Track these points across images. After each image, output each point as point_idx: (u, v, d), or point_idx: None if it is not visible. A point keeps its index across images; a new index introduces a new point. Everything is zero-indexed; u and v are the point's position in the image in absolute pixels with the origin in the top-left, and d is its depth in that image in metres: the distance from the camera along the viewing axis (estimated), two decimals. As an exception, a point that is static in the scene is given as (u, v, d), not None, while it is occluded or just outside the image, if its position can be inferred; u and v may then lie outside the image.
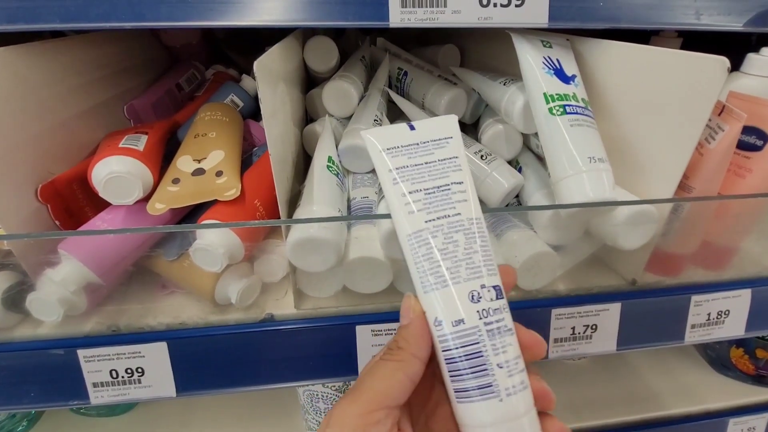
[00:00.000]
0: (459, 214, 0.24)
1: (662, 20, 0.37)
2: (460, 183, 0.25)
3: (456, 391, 0.22)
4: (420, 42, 0.68)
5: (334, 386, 0.46)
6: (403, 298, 0.24)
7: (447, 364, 0.22)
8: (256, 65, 0.26)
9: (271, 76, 0.31)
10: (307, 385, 0.46)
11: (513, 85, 0.40)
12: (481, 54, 0.58)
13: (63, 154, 0.39)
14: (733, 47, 0.42)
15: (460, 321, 0.22)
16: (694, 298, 0.39)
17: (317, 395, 0.46)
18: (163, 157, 0.39)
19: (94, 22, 0.32)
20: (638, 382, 0.60)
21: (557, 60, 0.37)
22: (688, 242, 0.38)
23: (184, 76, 0.56)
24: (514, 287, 0.37)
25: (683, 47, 0.60)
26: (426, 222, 0.24)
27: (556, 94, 0.34)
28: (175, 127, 0.44)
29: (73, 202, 0.37)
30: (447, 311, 0.22)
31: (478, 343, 0.22)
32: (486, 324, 0.22)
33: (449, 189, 0.24)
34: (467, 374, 0.22)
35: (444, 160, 0.25)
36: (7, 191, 0.32)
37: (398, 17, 0.34)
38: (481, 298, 0.22)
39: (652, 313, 0.39)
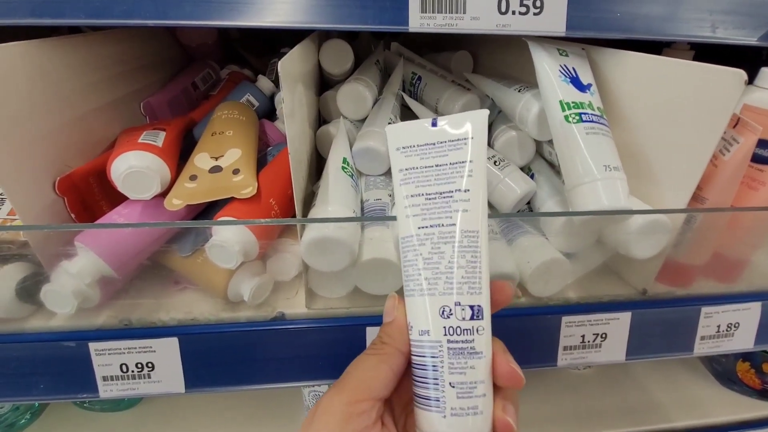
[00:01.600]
0: (453, 224, 0.23)
1: (677, 32, 0.37)
2: (466, 191, 0.23)
3: (413, 393, 0.23)
4: (433, 48, 0.68)
5: (341, 388, 0.45)
6: (387, 297, 0.25)
7: (412, 366, 0.23)
8: (281, 66, 0.26)
9: (291, 78, 0.32)
10: (317, 386, 0.46)
11: (528, 92, 0.40)
12: (494, 61, 0.59)
13: (80, 148, 0.39)
14: (745, 61, 0.42)
15: (426, 332, 0.22)
16: (704, 309, 0.39)
17: (321, 395, 0.46)
18: (180, 154, 0.39)
19: (118, 19, 0.32)
20: (643, 393, 0.60)
21: (573, 68, 0.37)
22: (700, 253, 0.38)
23: (199, 75, 0.57)
24: (525, 294, 0.37)
25: (695, 60, 0.60)
26: (418, 228, 0.23)
27: (572, 102, 0.35)
28: (191, 124, 0.45)
29: (89, 196, 0.38)
30: (417, 319, 0.23)
31: (436, 357, 0.22)
32: (450, 341, 0.22)
33: (451, 196, 0.23)
34: (422, 382, 0.22)
35: (456, 163, 0.24)
36: (25, 183, 0.32)
37: (418, 22, 0.34)
38: (451, 314, 0.22)
39: (662, 323, 0.39)
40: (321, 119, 0.53)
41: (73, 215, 0.37)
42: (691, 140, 0.33)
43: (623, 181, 0.33)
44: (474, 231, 0.23)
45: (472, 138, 0.24)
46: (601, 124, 0.34)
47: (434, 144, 0.25)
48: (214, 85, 0.57)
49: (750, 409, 0.58)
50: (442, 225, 0.23)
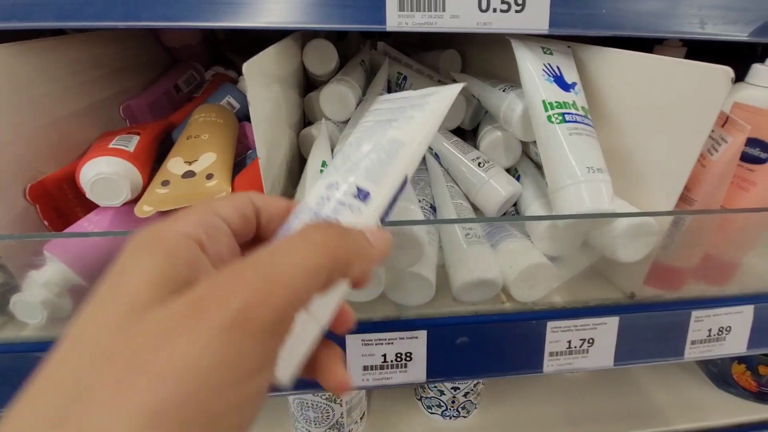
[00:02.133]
0: (385, 134, 0.21)
1: (666, 28, 0.36)
2: (411, 117, 0.22)
3: None
4: (422, 47, 0.67)
5: (324, 395, 0.45)
6: None
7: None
8: (246, 67, 0.25)
9: (262, 78, 0.31)
10: (298, 394, 0.45)
11: (512, 92, 0.39)
12: (482, 60, 0.58)
13: (55, 154, 0.38)
14: (739, 57, 0.41)
15: (306, 201, 0.20)
16: (695, 313, 0.38)
17: (307, 404, 0.45)
18: (157, 158, 0.38)
19: (88, 21, 0.31)
20: (637, 396, 0.59)
21: (557, 67, 0.36)
22: (689, 256, 0.37)
23: (182, 76, 0.56)
24: (510, 299, 0.36)
25: (687, 57, 0.59)
26: (360, 124, 0.24)
27: (556, 102, 0.34)
28: (170, 128, 0.44)
29: (63, 202, 0.37)
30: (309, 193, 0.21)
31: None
32: (317, 206, 0.19)
33: (404, 110, 0.22)
34: None
35: (414, 106, 0.23)
36: (-6, 190, 0.32)
37: (395, 21, 0.33)
38: (337, 188, 0.20)
39: (651, 327, 0.38)
40: (306, 121, 0.52)
41: (46, 223, 0.36)
42: (678, 140, 0.32)
43: (607, 183, 0.32)
44: (399, 141, 0.21)
45: (432, 95, 0.23)
46: (585, 124, 0.33)
47: (404, 98, 0.24)
48: (198, 87, 0.56)
49: (746, 411, 0.57)
50: (373, 121, 0.23)
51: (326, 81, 0.50)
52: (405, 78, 0.51)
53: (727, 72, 0.28)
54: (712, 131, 0.34)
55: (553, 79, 0.35)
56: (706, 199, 0.33)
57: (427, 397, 0.53)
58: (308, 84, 0.56)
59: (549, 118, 0.33)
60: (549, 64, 0.36)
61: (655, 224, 0.33)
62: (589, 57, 0.39)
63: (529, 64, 0.35)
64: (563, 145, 0.32)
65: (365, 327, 0.35)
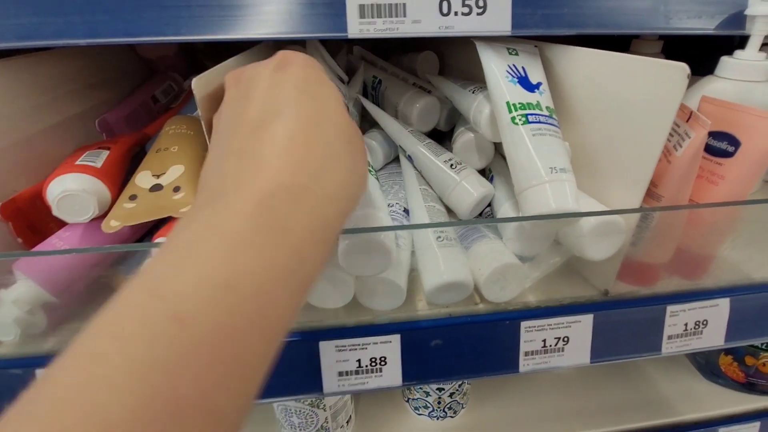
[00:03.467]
0: None
1: (630, 25, 0.36)
2: None
3: None
4: (403, 49, 0.67)
5: (307, 401, 0.45)
6: None
7: None
8: (194, 84, 0.26)
9: (216, 96, 0.31)
10: (281, 401, 0.45)
11: (481, 93, 0.39)
12: (459, 60, 0.58)
13: (29, 171, 0.38)
14: (719, 50, 0.41)
15: None
16: (670, 308, 0.38)
17: (290, 410, 0.45)
18: (131, 170, 0.38)
19: (49, 40, 0.32)
20: (625, 389, 0.59)
21: (523, 68, 0.36)
22: (661, 252, 0.37)
23: (160, 88, 0.56)
24: (483, 300, 0.36)
25: (665, 50, 0.59)
26: None
27: (519, 103, 0.34)
28: (144, 139, 0.44)
29: (37, 219, 0.37)
30: None
31: None
32: None
33: None
34: None
35: None
36: (-36, 210, 0.32)
37: (357, 28, 0.33)
38: None
39: (627, 324, 0.38)
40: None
41: (20, 240, 0.36)
42: (642, 136, 0.32)
43: (571, 182, 0.32)
44: None
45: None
46: (549, 124, 0.33)
47: None
48: (177, 98, 0.57)
49: (735, 402, 0.57)
50: None
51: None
52: (380, 82, 0.51)
53: (683, 68, 0.28)
54: (678, 126, 0.34)
55: (517, 80, 0.35)
56: (673, 195, 0.34)
57: (413, 399, 0.53)
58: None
59: (513, 119, 0.33)
60: (514, 65, 0.36)
61: (621, 222, 0.33)
62: (554, 56, 0.39)
63: (494, 65, 0.35)
64: (527, 146, 0.32)
65: (339, 333, 0.35)
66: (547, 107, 0.34)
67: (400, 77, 0.51)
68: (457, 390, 0.52)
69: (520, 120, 0.33)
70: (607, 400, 0.57)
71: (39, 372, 0.33)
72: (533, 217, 0.33)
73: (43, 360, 0.33)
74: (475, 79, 0.44)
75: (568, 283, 0.39)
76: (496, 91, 0.35)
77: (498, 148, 0.43)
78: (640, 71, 0.31)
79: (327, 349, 0.35)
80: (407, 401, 0.54)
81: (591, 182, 0.37)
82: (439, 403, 0.52)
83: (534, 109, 0.34)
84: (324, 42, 0.71)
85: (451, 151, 0.43)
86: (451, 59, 0.60)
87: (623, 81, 0.33)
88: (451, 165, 0.40)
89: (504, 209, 0.38)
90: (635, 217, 0.34)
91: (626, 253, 0.35)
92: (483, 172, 0.43)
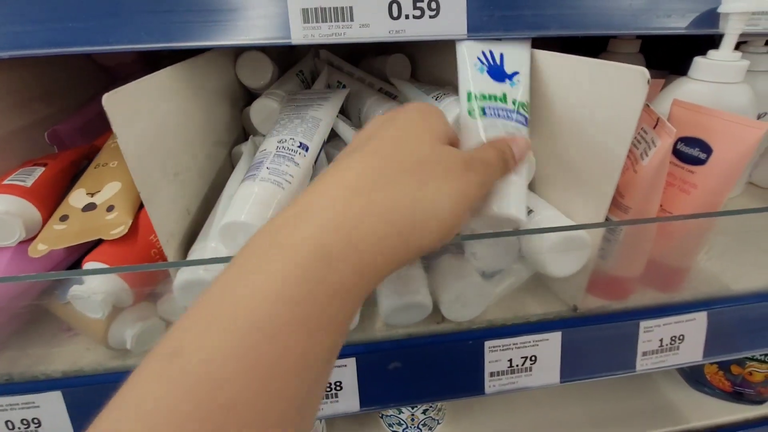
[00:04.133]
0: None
1: (596, 25, 0.34)
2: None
3: None
4: (379, 52, 0.65)
5: None
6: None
7: None
8: (105, 102, 0.24)
9: (140, 109, 0.29)
10: None
11: (446, 99, 0.37)
12: (430, 63, 0.56)
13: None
14: (700, 48, 0.39)
15: None
16: (643, 323, 0.36)
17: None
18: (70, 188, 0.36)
19: (7, 51, 0.30)
20: (609, 400, 0.57)
21: (501, 55, 0.33)
22: (631, 265, 0.35)
23: (119, 96, 0.54)
24: (444, 319, 0.34)
25: (644, 49, 0.57)
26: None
27: (480, 94, 0.31)
28: (93, 153, 0.42)
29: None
30: None
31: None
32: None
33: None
34: None
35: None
36: None
37: (300, 34, 0.31)
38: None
39: (598, 341, 0.36)
40: (246, 136, 0.51)
41: (-47, 263, 0.34)
42: (604, 144, 0.30)
43: (518, 185, 0.28)
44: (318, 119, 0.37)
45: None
46: (510, 119, 0.30)
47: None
48: (137, 106, 0.54)
49: (724, 412, 0.55)
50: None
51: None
52: (344, 87, 0.49)
53: (642, 73, 0.26)
54: (645, 133, 0.32)
55: (486, 68, 0.32)
56: (641, 206, 0.32)
57: (387, 416, 0.51)
58: (251, 97, 0.54)
59: (469, 111, 0.30)
60: (490, 51, 0.33)
61: (586, 236, 0.31)
62: (518, 59, 0.37)
63: (465, 50, 0.32)
64: (477, 141, 0.29)
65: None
66: (515, 101, 0.31)
67: (366, 82, 0.49)
68: (431, 406, 0.50)
69: (476, 112, 0.30)
70: (589, 412, 0.56)
71: (-34, 406, 0.31)
72: (489, 234, 0.31)
73: (-29, 392, 0.31)
74: (450, 81, 0.42)
75: (536, 298, 0.37)
76: (462, 79, 0.32)
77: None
78: (600, 76, 0.29)
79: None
80: (381, 417, 0.52)
81: (555, 192, 0.35)
82: (412, 419, 0.50)
83: (496, 101, 0.30)
84: (268, 47, 0.68)
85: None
86: (424, 62, 0.58)
87: (583, 86, 0.31)
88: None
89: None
90: (601, 231, 0.32)
91: (594, 267, 0.33)
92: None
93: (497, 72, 0.32)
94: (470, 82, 0.31)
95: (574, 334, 0.35)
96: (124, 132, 0.25)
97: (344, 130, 0.41)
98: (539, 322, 0.36)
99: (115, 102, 0.24)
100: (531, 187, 0.37)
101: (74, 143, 0.47)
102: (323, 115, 0.37)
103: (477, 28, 0.33)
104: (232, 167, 0.45)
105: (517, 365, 0.35)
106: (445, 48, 0.53)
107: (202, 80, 0.40)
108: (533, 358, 0.35)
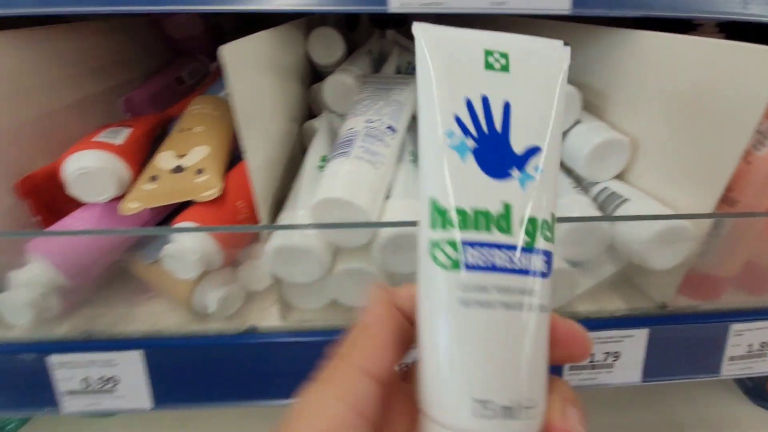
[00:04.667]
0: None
1: (703, 9, 0.32)
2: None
3: None
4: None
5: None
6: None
7: None
8: (223, 52, 0.23)
9: (247, 67, 0.28)
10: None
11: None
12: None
13: (47, 148, 0.37)
14: None
15: None
16: (734, 327, 0.34)
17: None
18: (151, 153, 0.36)
19: (68, 7, 0.30)
20: (664, 410, 0.54)
21: (505, 104, 0.16)
22: (729, 263, 0.33)
23: (186, 69, 0.54)
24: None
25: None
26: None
27: (459, 210, 0.15)
28: (167, 121, 0.42)
29: (55, 198, 0.35)
30: None
31: None
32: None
33: None
34: None
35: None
36: (-20, 185, 0.30)
37: (398, 2, 0.30)
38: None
39: (685, 341, 0.34)
40: (311, 113, 0.50)
41: (39, 219, 0.34)
42: (719, 133, 0.28)
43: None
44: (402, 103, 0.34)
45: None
46: (515, 272, 0.14)
47: None
48: (203, 79, 0.55)
49: (785, 430, 0.52)
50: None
51: (331, 72, 0.47)
52: (414, 68, 0.48)
53: (780, 53, 0.24)
54: (759, 124, 0.30)
55: (474, 143, 0.15)
56: (752, 201, 0.30)
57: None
58: (315, 75, 0.53)
59: (433, 246, 0.15)
60: (485, 98, 0.16)
61: (690, 228, 0.29)
62: (617, 41, 0.35)
63: (436, 90, 0.15)
64: (439, 327, 0.14)
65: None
66: (531, 222, 0.15)
67: (437, 64, 0.48)
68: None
69: (442, 253, 0.15)
70: (641, 420, 0.53)
71: (52, 358, 0.31)
72: (586, 218, 0.29)
73: (55, 346, 0.31)
74: None
75: (621, 294, 0.36)
76: (423, 163, 0.16)
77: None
78: (724, 58, 0.27)
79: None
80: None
81: (656, 182, 0.33)
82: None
83: (488, 229, 0.15)
84: (354, 23, 0.68)
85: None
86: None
87: (701, 69, 0.29)
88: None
89: (552, 208, 0.34)
90: (705, 224, 0.30)
91: (691, 262, 0.31)
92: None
93: (493, 152, 0.15)
94: (435, 176, 0.15)
95: (661, 333, 0.34)
96: (237, 85, 0.25)
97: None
98: (625, 318, 0.34)
99: (231, 54, 0.24)
100: (627, 177, 0.36)
101: (145, 111, 0.47)
102: (406, 100, 0.36)
103: (581, 4, 0.31)
104: (302, 144, 0.45)
105: (598, 361, 0.34)
106: (513, 28, 0.51)
107: (283, 53, 0.39)
108: (616, 355, 0.34)
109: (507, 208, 0.15)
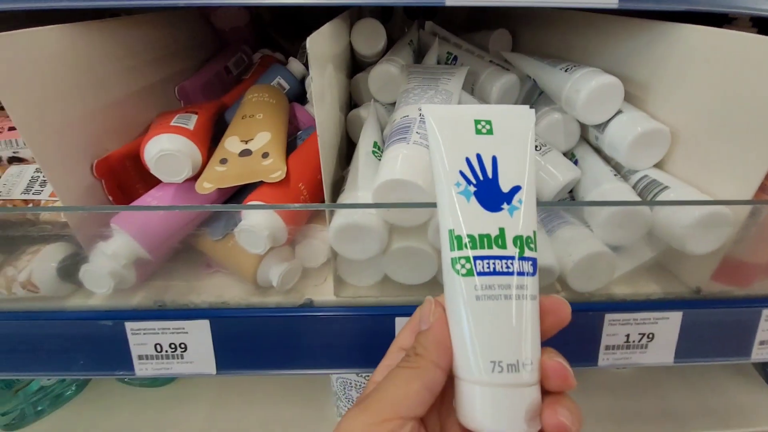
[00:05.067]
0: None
1: (748, 4, 0.33)
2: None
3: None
4: (468, 28, 0.65)
5: (368, 376, 0.45)
6: (424, 301, 0.22)
7: None
8: (309, 43, 0.25)
9: (321, 57, 0.31)
10: (343, 374, 0.46)
11: (577, 71, 0.37)
12: (535, 39, 0.55)
13: (117, 132, 0.40)
14: None
15: None
16: (766, 312, 0.36)
17: (350, 383, 0.46)
18: (211, 138, 0.39)
19: (148, 1, 0.32)
20: (686, 396, 0.56)
21: (493, 159, 0.21)
22: (764, 251, 0.34)
23: (232, 59, 0.56)
24: (564, 288, 0.35)
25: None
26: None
27: (468, 236, 0.20)
28: (222, 108, 0.45)
29: (125, 179, 0.38)
30: None
31: None
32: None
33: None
34: None
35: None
36: (65, 165, 0.33)
37: (456, -4, 0.32)
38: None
39: (717, 325, 0.36)
40: (352, 102, 0.52)
41: (110, 198, 0.37)
42: (758, 125, 0.30)
43: (522, 389, 0.20)
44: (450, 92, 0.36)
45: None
46: (513, 273, 0.20)
47: None
48: (247, 69, 0.57)
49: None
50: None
51: (373, 62, 0.49)
52: (455, 58, 0.50)
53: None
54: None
55: (475, 188, 0.21)
56: (791, 189, 0.31)
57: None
58: (354, 65, 0.55)
59: (453, 262, 0.20)
60: (478, 156, 0.21)
61: (729, 214, 0.31)
62: (660, 34, 0.36)
63: (440, 158, 0.21)
64: (461, 315, 0.20)
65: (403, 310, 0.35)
66: (518, 239, 0.20)
67: (476, 54, 0.50)
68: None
69: (462, 267, 0.20)
70: (663, 405, 0.55)
71: (128, 325, 0.34)
72: (633, 202, 0.31)
73: (131, 314, 0.34)
74: (549, 58, 0.42)
75: (655, 278, 0.37)
76: (440, 205, 0.21)
77: (583, 131, 0.41)
78: (765, 52, 0.29)
79: (402, 325, 0.35)
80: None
81: (694, 171, 0.34)
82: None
83: (490, 247, 0.20)
84: (386, 15, 0.69)
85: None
86: (524, 37, 0.58)
87: (742, 62, 0.30)
88: (536, 147, 0.39)
89: (593, 196, 0.36)
90: (745, 211, 0.31)
91: (728, 248, 0.33)
92: (565, 156, 0.41)
93: (489, 192, 0.21)
94: (447, 213, 0.21)
95: (695, 316, 0.35)
96: (316, 71, 0.27)
97: (467, 100, 0.41)
98: (661, 301, 0.36)
99: (314, 43, 0.26)
100: (665, 166, 0.37)
101: (197, 99, 0.50)
102: (453, 89, 0.38)
103: (629, -2, 0.32)
104: (347, 133, 0.47)
105: (633, 341, 0.35)
106: (550, 22, 0.52)
107: (337, 41, 0.41)
108: (651, 336, 0.35)
109: (501, 231, 0.20)
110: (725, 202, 0.32)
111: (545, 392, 0.20)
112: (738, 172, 0.32)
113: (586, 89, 0.35)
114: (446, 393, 0.21)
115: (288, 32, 0.65)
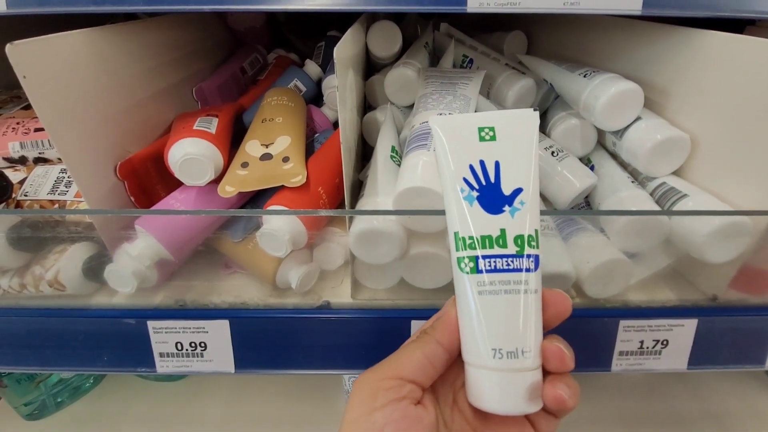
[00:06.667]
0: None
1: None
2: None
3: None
4: (480, 29, 0.65)
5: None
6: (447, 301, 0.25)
7: None
8: (336, 51, 0.25)
9: (345, 64, 0.31)
10: (358, 374, 0.46)
11: (597, 77, 0.37)
12: (551, 42, 0.55)
13: (139, 134, 0.40)
14: None
15: None
16: (782, 320, 0.36)
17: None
18: (230, 140, 0.39)
19: (175, 5, 0.32)
20: (698, 401, 0.56)
21: (495, 164, 0.23)
22: (783, 259, 0.34)
23: (247, 59, 0.57)
24: (579, 294, 0.35)
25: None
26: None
27: (468, 237, 0.22)
28: (240, 110, 0.45)
29: (146, 180, 0.39)
30: None
31: None
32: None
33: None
34: None
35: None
36: (90, 167, 0.34)
37: (477, 2, 0.32)
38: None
39: (731, 332, 0.36)
40: (366, 105, 0.52)
41: (132, 199, 0.38)
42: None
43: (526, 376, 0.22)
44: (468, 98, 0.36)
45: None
46: (516, 270, 0.21)
47: None
48: (262, 70, 0.57)
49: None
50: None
51: (388, 64, 0.49)
52: (471, 61, 0.50)
53: None
54: (825, 124, 0.31)
55: (477, 193, 0.23)
56: (812, 199, 0.31)
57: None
58: (369, 67, 0.56)
59: (459, 261, 0.22)
60: (481, 162, 0.23)
61: (749, 224, 0.31)
62: (682, 40, 0.36)
63: (447, 163, 0.23)
64: (468, 308, 0.22)
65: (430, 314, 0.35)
66: (519, 238, 0.22)
67: (491, 57, 0.50)
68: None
69: (466, 265, 0.22)
70: (675, 410, 0.55)
71: (150, 323, 0.35)
72: (645, 212, 0.31)
73: (153, 313, 0.35)
74: (569, 61, 0.42)
75: (671, 285, 0.37)
76: (447, 210, 0.23)
77: (600, 137, 0.41)
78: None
79: (418, 328, 0.35)
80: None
81: (713, 178, 0.34)
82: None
83: (491, 247, 0.22)
84: (399, 15, 0.69)
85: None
86: (539, 41, 0.58)
87: (763, 68, 0.30)
88: (552, 152, 0.39)
89: (609, 203, 0.36)
90: (765, 221, 0.31)
91: (747, 257, 0.33)
92: (581, 161, 0.41)
93: (491, 196, 0.22)
94: (455, 216, 0.23)
95: (710, 323, 0.35)
96: (341, 79, 0.27)
97: (483, 104, 0.41)
98: (675, 308, 0.36)
99: (341, 52, 0.26)
100: (683, 173, 0.37)
101: (214, 100, 0.50)
102: (471, 94, 0.38)
103: (652, 4, 0.32)
104: (362, 134, 0.47)
105: (647, 347, 0.36)
106: (567, 26, 0.52)
107: (356, 44, 0.41)
108: (665, 342, 0.36)
109: (502, 231, 0.22)
110: (745, 212, 0.32)
111: (549, 373, 0.22)
112: (758, 180, 0.32)
113: (605, 95, 0.35)
114: (459, 377, 0.24)
115: (302, 32, 0.66)
